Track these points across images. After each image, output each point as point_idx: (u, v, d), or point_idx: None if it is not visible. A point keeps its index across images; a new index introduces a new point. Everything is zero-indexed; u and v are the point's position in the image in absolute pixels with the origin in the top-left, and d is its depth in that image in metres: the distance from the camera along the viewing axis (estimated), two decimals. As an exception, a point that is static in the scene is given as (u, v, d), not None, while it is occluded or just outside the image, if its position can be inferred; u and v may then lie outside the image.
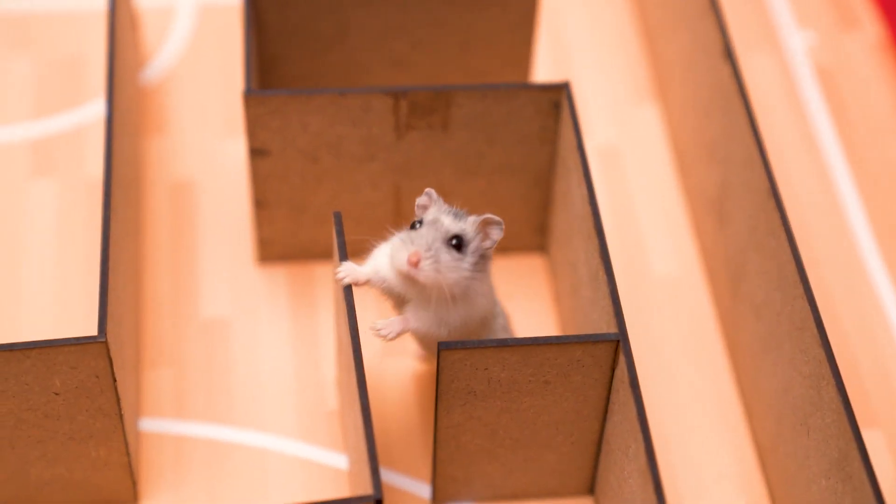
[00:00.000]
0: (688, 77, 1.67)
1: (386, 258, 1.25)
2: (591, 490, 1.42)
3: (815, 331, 1.27)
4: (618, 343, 1.26)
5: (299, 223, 1.58)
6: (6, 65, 1.79)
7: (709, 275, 1.61)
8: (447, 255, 1.20)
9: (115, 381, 1.26)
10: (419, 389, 1.51)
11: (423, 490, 1.43)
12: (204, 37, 1.85)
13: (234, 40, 1.83)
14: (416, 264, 1.19)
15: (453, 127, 1.49)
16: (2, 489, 1.34)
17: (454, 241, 1.21)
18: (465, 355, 1.24)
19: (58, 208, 1.65)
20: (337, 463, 1.45)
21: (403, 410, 1.49)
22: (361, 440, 1.20)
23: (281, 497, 1.42)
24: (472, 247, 1.22)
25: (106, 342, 1.22)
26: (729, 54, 1.51)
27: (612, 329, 1.28)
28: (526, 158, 1.54)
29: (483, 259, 1.24)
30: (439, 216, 1.22)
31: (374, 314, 1.57)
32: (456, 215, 1.23)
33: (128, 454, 1.33)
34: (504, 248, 1.64)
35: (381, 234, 1.58)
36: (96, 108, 1.75)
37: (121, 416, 1.29)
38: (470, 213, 1.27)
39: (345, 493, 1.42)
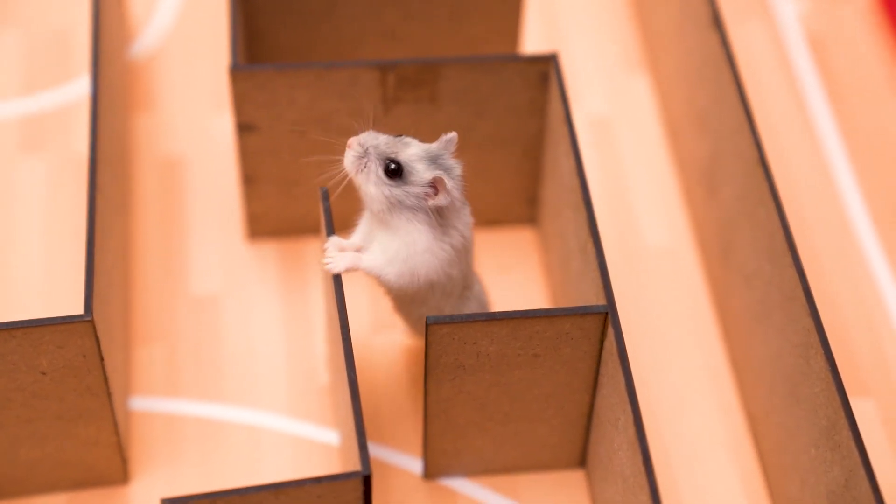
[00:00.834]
0: (678, 46, 1.66)
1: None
2: (582, 463, 1.42)
3: (804, 300, 1.27)
4: (606, 315, 1.25)
5: (289, 198, 1.57)
6: (-8, 42, 1.79)
7: (700, 245, 1.61)
8: (374, 166, 1.23)
9: (102, 359, 1.25)
10: (409, 364, 1.51)
11: (415, 465, 1.43)
12: (192, 11, 1.84)
13: (223, 14, 1.82)
14: (350, 146, 1.24)
15: (441, 100, 1.49)
16: (-8, 469, 1.34)
17: (392, 166, 1.23)
18: (453, 329, 1.24)
19: (46, 186, 1.64)
20: (328, 439, 1.45)
21: (393, 385, 1.49)
22: (350, 416, 1.20)
23: (273, 474, 1.42)
24: (409, 188, 1.23)
25: (92, 321, 1.22)
26: (717, 23, 1.50)
27: (601, 301, 1.28)
28: (515, 131, 1.53)
29: (423, 211, 1.24)
30: (410, 140, 1.26)
31: (361, 289, 1.56)
32: (431, 159, 1.25)
33: (117, 433, 1.33)
34: (495, 220, 1.63)
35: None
36: (84, 85, 1.74)
37: (109, 395, 1.29)
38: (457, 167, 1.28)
39: (336, 469, 1.42)
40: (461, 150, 1.54)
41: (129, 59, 1.78)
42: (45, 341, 1.22)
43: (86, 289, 1.24)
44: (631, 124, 1.74)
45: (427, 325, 1.23)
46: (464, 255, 1.30)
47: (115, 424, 1.33)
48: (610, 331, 1.25)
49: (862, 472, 1.16)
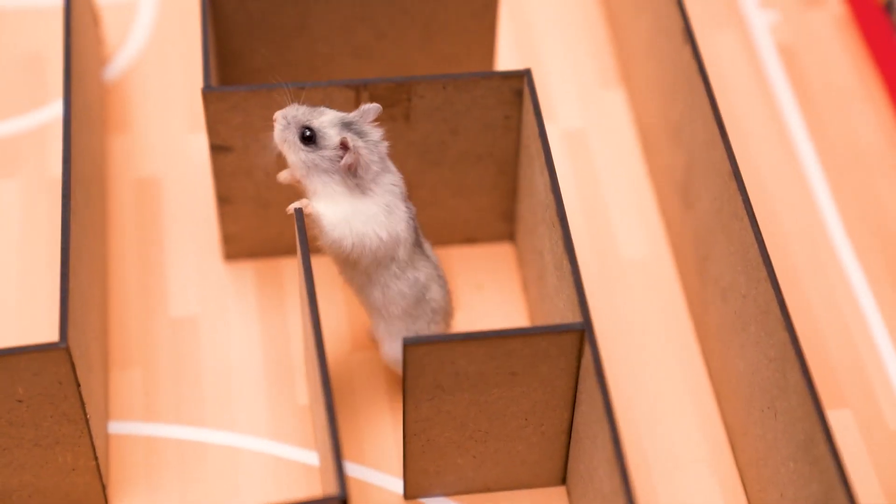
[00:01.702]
0: (651, 60, 1.66)
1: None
2: (562, 480, 1.42)
3: (779, 313, 1.27)
4: (583, 332, 1.25)
5: (265, 219, 1.57)
6: (-35, 66, 1.78)
7: (676, 258, 1.61)
8: (291, 134, 1.34)
9: (78, 386, 1.25)
10: (388, 382, 1.51)
11: (395, 484, 1.43)
12: (166, 31, 1.83)
13: (196, 34, 1.82)
14: (274, 120, 1.35)
15: (415, 118, 1.49)
16: (-31, 497, 1.33)
17: (307, 133, 1.33)
18: (430, 350, 1.24)
19: (20, 209, 1.64)
20: (309, 460, 1.44)
21: (373, 404, 1.49)
22: (327, 438, 1.20)
23: (254, 496, 1.41)
24: (323, 152, 1.32)
25: (67, 348, 1.21)
26: (690, 35, 1.51)
27: (578, 318, 1.28)
28: (490, 147, 1.53)
29: (345, 176, 1.32)
30: (325, 109, 1.35)
31: (339, 309, 1.56)
32: (345, 124, 1.33)
33: (95, 458, 1.33)
34: (471, 237, 1.63)
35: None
36: (59, 107, 1.74)
37: (87, 421, 1.28)
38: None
39: (317, 489, 1.42)
40: (436, 167, 1.55)
41: (104, 81, 1.77)
42: (21, 369, 1.22)
43: (60, 315, 1.23)
44: (606, 138, 1.75)
45: (404, 346, 1.23)
46: (390, 220, 1.34)
47: (94, 450, 1.32)
48: (587, 348, 1.25)
49: (840, 488, 1.16)
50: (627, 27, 1.77)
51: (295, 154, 1.34)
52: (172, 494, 1.41)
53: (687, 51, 1.51)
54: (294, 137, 1.33)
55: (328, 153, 1.32)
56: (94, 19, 1.76)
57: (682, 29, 1.52)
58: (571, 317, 1.31)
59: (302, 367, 1.52)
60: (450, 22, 1.64)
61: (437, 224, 1.60)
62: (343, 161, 1.32)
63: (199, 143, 1.71)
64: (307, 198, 1.35)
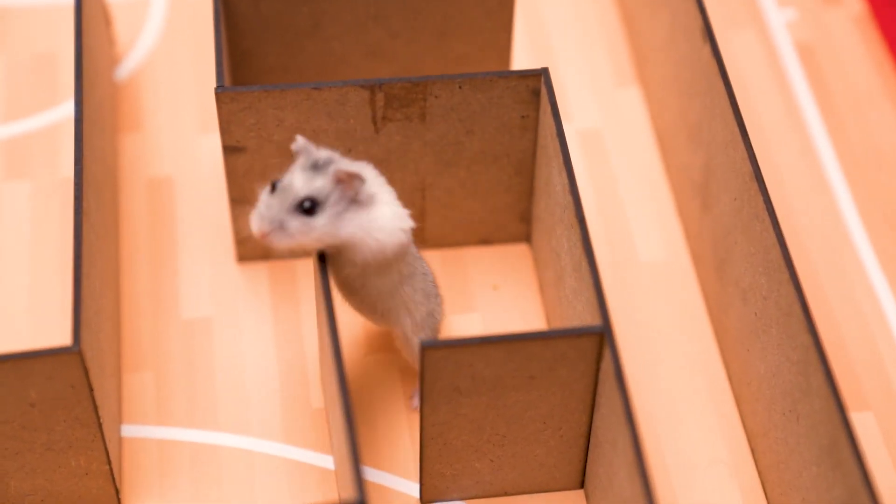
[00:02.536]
0: (669, 58, 1.64)
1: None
2: (581, 484, 1.40)
3: (801, 316, 1.25)
4: (602, 336, 1.24)
5: (278, 220, 1.55)
6: (-24, 66, 1.77)
7: (695, 259, 1.59)
8: (296, 223, 1.22)
9: (91, 389, 1.23)
10: (404, 385, 1.49)
11: (412, 488, 1.41)
12: (177, 30, 1.82)
13: (208, 33, 1.80)
14: (265, 237, 1.23)
15: (431, 118, 1.47)
16: (-19, 502, 1.32)
17: (306, 205, 1.22)
18: (448, 353, 1.22)
19: (31, 211, 1.62)
20: (324, 463, 1.43)
21: (388, 407, 1.47)
22: (345, 442, 1.18)
23: (268, 500, 1.40)
24: (329, 202, 1.23)
25: (80, 351, 1.20)
26: (709, 34, 1.49)
27: (597, 321, 1.26)
28: (507, 147, 1.51)
29: (353, 203, 1.24)
30: (293, 178, 1.23)
31: (352, 312, 1.54)
32: (315, 169, 1.23)
33: (108, 462, 1.31)
34: (487, 238, 1.61)
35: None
36: (70, 107, 1.72)
37: (100, 425, 1.27)
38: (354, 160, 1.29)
39: (332, 494, 1.40)
40: (452, 167, 1.53)
41: (115, 81, 1.76)
42: (34, 373, 1.20)
43: (73, 319, 1.22)
44: (621, 138, 1.73)
45: (422, 350, 1.21)
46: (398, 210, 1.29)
47: (107, 454, 1.31)
48: (606, 351, 1.23)
49: (864, 492, 1.14)
50: (644, 26, 1.75)
51: (311, 235, 1.23)
52: (186, 498, 1.40)
53: (706, 50, 1.49)
54: (298, 224, 1.22)
55: (333, 198, 1.23)
56: (106, 19, 1.74)
57: (702, 28, 1.50)
58: (590, 319, 1.29)
59: (316, 370, 1.50)
60: (464, 21, 1.63)
61: (452, 225, 1.59)
62: (354, 189, 1.24)
63: (211, 143, 1.70)
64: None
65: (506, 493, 1.40)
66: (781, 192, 1.66)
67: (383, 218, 1.26)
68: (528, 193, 1.57)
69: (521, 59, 1.80)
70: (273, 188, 1.24)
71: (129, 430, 1.44)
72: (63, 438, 1.27)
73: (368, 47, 1.64)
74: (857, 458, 1.16)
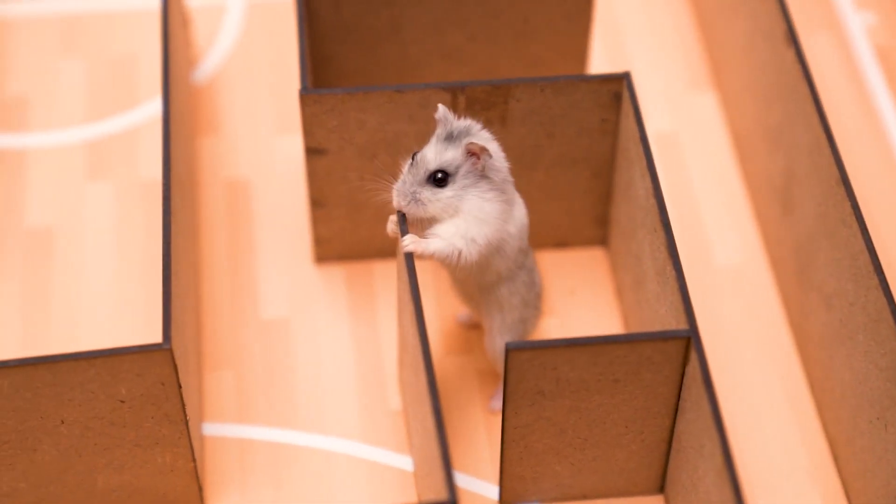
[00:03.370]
0: (747, 62, 1.64)
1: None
2: (660, 488, 1.40)
3: (892, 322, 1.24)
4: (689, 340, 1.23)
5: (357, 222, 1.56)
6: (60, 66, 1.79)
7: (773, 264, 1.58)
8: (427, 193, 1.28)
9: (180, 387, 1.25)
10: (482, 386, 1.49)
11: (491, 490, 1.41)
12: (254, 33, 1.84)
13: (285, 36, 1.82)
14: (402, 209, 1.29)
15: (511, 121, 1.47)
16: (69, 497, 1.33)
17: (438, 176, 1.27)
18: (533, 355, 1.22)
19: (115, 211, 1.64)
20: (402, 465, 1.43)
21: (466, 409, 1.47)
22: (432, 443, 1.19)
23: (347, 500, 1.40)
24: (460, 174, 1.27)
25: (171, 349, 1.21)
26: (793, 38, 1.48)
27: (682, 325, 1.26)
28: (586, 151, 1.51)
29: (483, 178, 1.28)
30: (426, 150, 1.29)
31: (432, 311, 1.55)
32: (449, 140, 1.28)
33: (193, 460, 1.33)
34: (563, 241, 1.61)
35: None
36: (150, 109, 1.74)
37: (186, 423, 1.28)
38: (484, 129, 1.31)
39: (411, 495, 1.41)
40: (531, 171, 1.53)
41: (194, 83, 1.78)
42: (124, 370, 1.22)
43: (163, 316, 1.23)
44: (697, 142, 1.72)
45: (507, 352, 1.22)
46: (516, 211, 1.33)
47: (192, 451, 1.32)
48: (693, 355, 1.23)
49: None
50: (720, 30, 1.74)
51: (440, 205, 1.28)
52: (266, 496, 1.41)
53: (790, 54, 1.48)
54: (428, 195, 1.28)
55: (463, 169, 1.27)
56: (184, 22, 1.76)
57: (785, 31, 1.50)
58: (675, 323, 1.29)
59: (393, 371, 1.51)
60: (543, 25, 1.63)
61: (529, 228, 1.59)
62: (482, 163, 1.27)
63: (289, 145, 1.71)
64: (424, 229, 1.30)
65: (585, 497, 1.40)
66: (863, 197, 1.64)
67: (504, 214, 1.30)
68: (605, 197, 1.56)
69: (597, 62, 1.80)
70: (413, 159, 1.29)
71: (209, 429, 1.46)
72: (150, 435, 1.28)
73: (446, 50, 1.64)
74: (949, 466, 1.15)
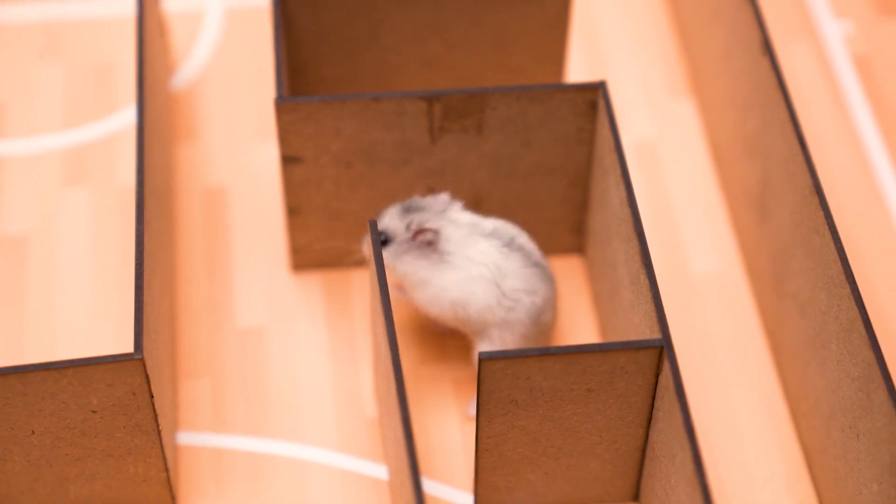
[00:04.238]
0: (725, 71, 1.64)
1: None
2: (635, 497, 1.39)
3: (863, 332, 1.24)
4: (662, 349, 1.23)
5: (333, 230, 1.56)
6: (37, 74, 1.79)
7: (750, 272, 1.58)
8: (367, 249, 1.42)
9: (152, 397, 1.24)
10: (458, 395, 1.49)
11: (465, 499, 1.41)
12: (233, 40, 1.83)
13: (264, 43, 1.82)
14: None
15: (488, 129, 1.47)
16: (41, 507, 1.33)
17: (382, 237, 1.40)
18: (506, 365, 1.22)
19: (91, 218, 1.64)
20: (377, 473, 1.43)
21: (442, 418, 1.47)
22: (401, 452, 1.19)
23: (322, 508, 1.40)
24: (397, 241, 1.39)
25: (142, 359, 1.21)
26: (768, 47, 1.48)
27: (655, 334, 1.26)
28: (562, 159, 1.51)
29: (427, 246, 1.39)
30: (388, 211, 1.42)
31: (406, 323, 1.55)
32: (407, 211, 1.40)
33: (166, 469, 1.32)
34: (541, 249, 1.61)
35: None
36: (127, 116, 1.74)
37: (158, 432, 1.28)
38: (455, 201, 1.42)
39: None
40: (507, 179, 1.53)
41: (172, 90, 1.78)
42: (96, 380, 1.21)
43: (135, 326, 1.23)
44: (676, 150, 1.73)
45: (480, 361, 1.21)
46: (487, 282, 1.39)
47: (165, 461, 1.31)
48: (666, 365, 1.23)
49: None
50: (699, 38, 1.75)
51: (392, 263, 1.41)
52: (241, 506, 1.40)
53: (765, 63, 1.48)
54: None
55: (400, 238, 1.39)
56: (161, 29, 1.76)
57: (760, 40, 1.50)
58: (648, 332, 1.29)
59: (369, 380, 1.51)
60: (521, 33, 1.63)
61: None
62: (422, 238, 1.38)
63: (266, 153, 1.71)
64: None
65: (560, 506, 1.40)
66: (839, 205, 1.64)
67: (440, 280, 1.40)
68: (582, 205, 1.56)
69: (576, 70, 1.80)
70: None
71: (184, 438, 1.45)
72: (122, 445, 1.28)
73: (425, 58, 1.64)
74: (920, 476, 1.15)
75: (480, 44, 1.64)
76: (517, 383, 1.24)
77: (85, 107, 1.75)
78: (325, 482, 1.42)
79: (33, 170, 1.69)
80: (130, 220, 1.63)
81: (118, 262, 1.60)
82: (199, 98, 1.77)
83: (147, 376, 1.22)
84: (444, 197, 1.41)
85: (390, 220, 1.40)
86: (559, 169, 1.52)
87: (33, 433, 1.25)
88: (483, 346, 1.42)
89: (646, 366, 1.24)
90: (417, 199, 1.41)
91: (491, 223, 1.41)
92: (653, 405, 1.28)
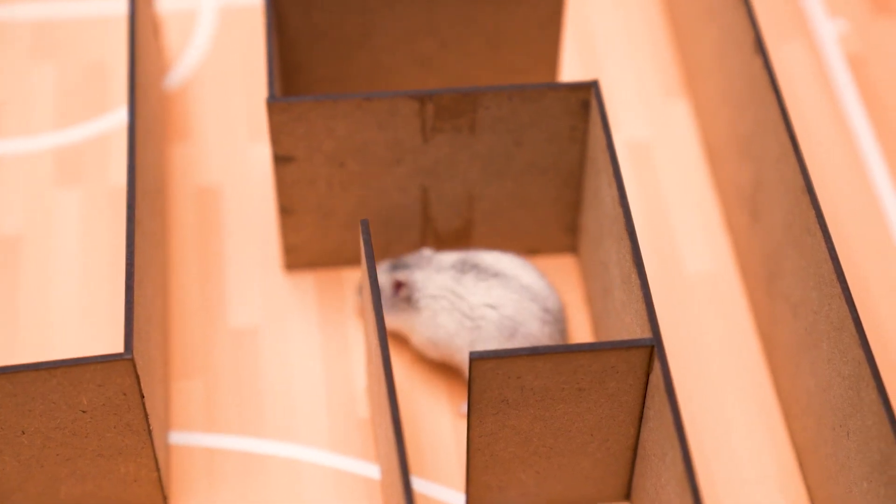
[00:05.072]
0: (718, 71, 1.64)
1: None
2: (627, 496, 1.39)
3: (853, 331, 1.24)
4: (652, 349, 1.23)
5: (326, 229, 1.56)
6: (30, 73, 1.79)
7: (742, 272, 1.58)
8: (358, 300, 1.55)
9: (142, 397, 1.24)
10: (450, 395, 1.49)
11: (457, 499, 1.41)
12: (226, 39, 1.83)
13: (257, 42, 1.82)
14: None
15: (480, 129, 1.47)
16: (32, 507, 1.33)
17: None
18: (497, 364, 1.22)
19: (83, 218, 1.64)
20: (370, 473, 1.43)
21: (435, 417, 1.47)
22: (392, 452, 1.19)
23: (314, 508, 1.40)
24: (385, 295, 1.47)
25: (132, 359, 1.21)
26: (760, 47, 1.48)
27: (647, 333, 1.26)
28: (555, 158, 1.51)
29: (405, 303, 1.47)
30: (382, 268, 1.50)
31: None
32: (394, 267, 1.48)
33: (157, 469, 1.32)
34: (534, 249, 1.61)
35: (408, 238, 1.57)
36: (120, 116, 1.74)
37: (149, 432, 1.28)
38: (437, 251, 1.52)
39: (378, 503, 1.40)
40: (500, 178, 1.53)
41: (165, 89, 1.78)
42: (86, 380, 1.21)
43: (125, 327, 1.23)
44: (670, 150, 1.73)
45: (471, 361, 1.21)
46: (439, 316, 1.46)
47: (156, 461, 1.31)
48: (656, 364, 1.23)
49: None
50: (693, 38, 1.75)
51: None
52: (233, 506, 1.40)
53: (757, 62, 1.48)
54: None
55: (388, 293, 1.47)
56: (155, 28, 1.76)
57: (753, 40, 1.50)
58: (640, 332, 1.28)
59: (362, 379, 1.51)
60: (514, 33, 1.63)
61: (499, 236, 1.59)
62: (400, 294, 1.46)
63: (259, 153, 1.71)
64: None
65: (551, 505, 1.40)
66: (830, 206, 1.64)
67: (417, 325, 1.47)
68: (574, 205, 1.56)
69: (570, 69, 1.80)
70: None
71: (176, 438, 1.45)
72: (113, 445, 1.28)
73: (418, 58, 1.64)
74: (910, 475, 1.15)
75: (473, 43, 1.64)
76: (508, 383, 1.24)
77: (77, 106, 1.75)
78: (318, 482, 1.42)
79: (25, 169, 1.69)
80: (123, 219, 1.63)
81: (111, 261, 1.60)
82: (193, 97, 1.77)
83: (137, 376, 1.22)
84: (426, 252, 1.48)
85: (381, 272, 1.48)
86: (551, 168, 1.52)
87: (23, 433, 1.25)
88: None
89: (636, 365, 1.24)
90: (403, 258, 1.48)
91: (459, 255, 1.47)
92: (644, 404, 1.28)
